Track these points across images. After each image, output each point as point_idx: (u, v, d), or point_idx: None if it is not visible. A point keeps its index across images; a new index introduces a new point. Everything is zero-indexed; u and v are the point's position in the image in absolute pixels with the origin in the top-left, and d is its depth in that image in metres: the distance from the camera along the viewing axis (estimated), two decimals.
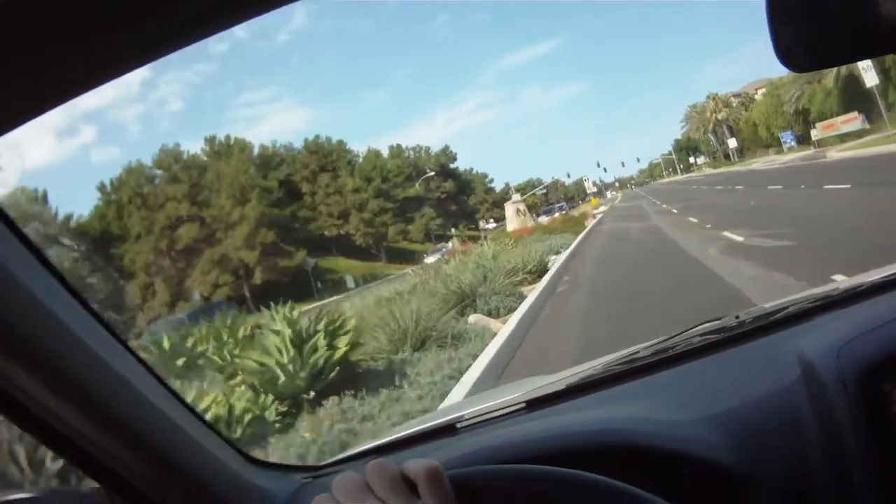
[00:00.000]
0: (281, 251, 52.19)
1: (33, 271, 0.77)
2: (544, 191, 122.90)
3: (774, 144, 69.53)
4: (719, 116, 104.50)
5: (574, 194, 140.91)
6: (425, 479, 0.63)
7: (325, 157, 69.80)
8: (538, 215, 55.46)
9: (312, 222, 68.04)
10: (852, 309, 1.20)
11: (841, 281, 1.43)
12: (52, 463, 3.69)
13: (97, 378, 0.83)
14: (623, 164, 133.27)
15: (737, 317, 1.33)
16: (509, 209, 35.36)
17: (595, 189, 58.78)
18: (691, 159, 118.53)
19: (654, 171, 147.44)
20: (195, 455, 1.00)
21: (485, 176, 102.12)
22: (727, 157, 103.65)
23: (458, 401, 3.53)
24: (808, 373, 0.96)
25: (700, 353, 1.25)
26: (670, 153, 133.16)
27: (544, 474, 0.72)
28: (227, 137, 59.77)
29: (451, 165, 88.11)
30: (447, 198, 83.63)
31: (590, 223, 33.48)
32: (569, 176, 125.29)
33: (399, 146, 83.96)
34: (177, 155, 55.42)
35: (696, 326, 1.36)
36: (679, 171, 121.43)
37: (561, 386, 1.31)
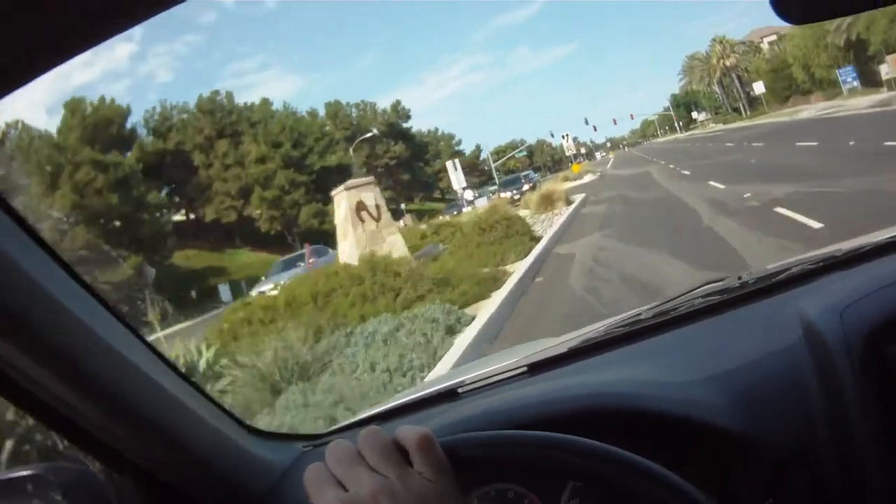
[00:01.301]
0: (101, 258, 34.39)
1: (16, 239, 0.75)
2: (524, 153, 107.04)
3: (816, 89, 52.79)
4: (728, 63, 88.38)
5: (562, 156, 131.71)
6: (417, 446, 0.64)
7: (224, 119, 51.94)
8: (479, 194, 38.47)
9: (206, 205, 50.87)
10: (855, 270, 1.16)
11: (843, 242, 1.37)
12: None
13: (90, 350, 0.81)
14: (615, 122, 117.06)
15: (739, 278, 1.31)
16: (341, 206, 12.45)
17: (575, 150, 41.20)
18: (695, 115, 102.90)
19: (647, 130, 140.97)
20: (194, 427, 0.97)
21: (451, 137, 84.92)
22: (735, 110, 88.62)
23: (459, 367, 2.89)
24: (810, 334, 0.94)
25: (702, 315, 1.23)
26: (667, 109, 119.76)
27: (536, 439, 0.72)
28: (101, 101, 42.13)
29: (405, 125, 70.59)
30: (397, 165, 66.51)
31: (554, 226, 15.90)
32: (552, 136, 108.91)
33: (337, 102, 66.27)
34: None
35: (699, 287, 1.35)
36: (678, 128, 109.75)
37: (563, 349, 1.29)
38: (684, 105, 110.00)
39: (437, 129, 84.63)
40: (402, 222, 61.08)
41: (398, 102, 70.55)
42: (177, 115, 52.90)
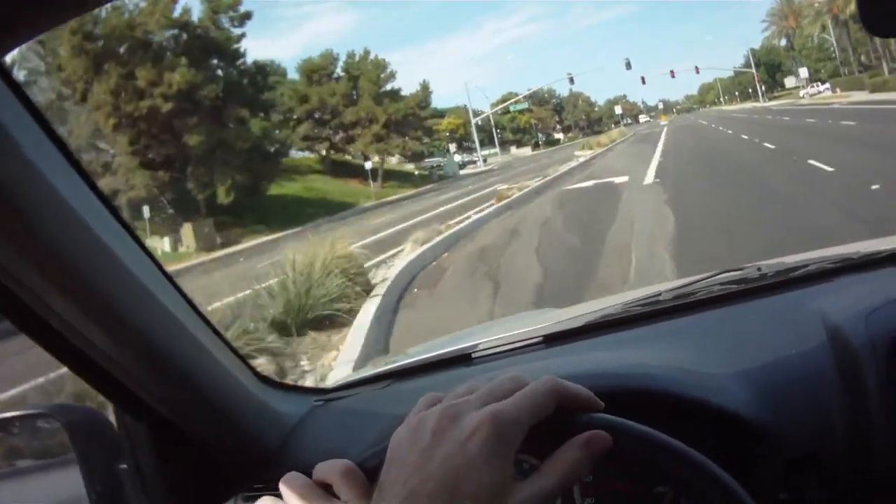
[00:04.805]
0: None
1: (47, 157, 0.71)
2: (524, 106, 72.84)
3: None
4: None
5: (601, 115, 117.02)
6: (340, 478, 0.64)
7: None
8: None
9: None
10: (874, 274, 1.18)
11: (859, 244, 1.41)
12: None
13: (114, 285, 0.79)
14: (672, 75, 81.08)
15: (758, 269, 1.33)
16: None
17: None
18: (803, 73, 67.96)
19: (707, 95, 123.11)
20: (211, 373, 0.97)
21: (381, 66, 47.84)
22: (866, 68, 55.77)
23: (474, 327, 2.74)
24: (834, 336, 0.96)
25: (721, 302, 1.24)
26: (743, 68, 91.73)
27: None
28: None
29: (232, 31, 33.18)
30: (176, 111, 29.85)
31: None
32: (572, 82, 72.97)
33: None
34: None
35: (718, 274, 1.37)
36: (760, 94, 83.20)
37: (579, 322, 1.31)
38: (766, 65, 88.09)
39: (367, 53, 47.97)
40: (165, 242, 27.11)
41: None
42: None
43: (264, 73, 34.42)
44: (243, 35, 33.23)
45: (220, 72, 32.49)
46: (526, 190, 19.88)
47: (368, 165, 40.76)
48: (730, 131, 29.95)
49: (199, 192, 30.85)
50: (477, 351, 1.30)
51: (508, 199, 17.92)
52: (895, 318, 0.89)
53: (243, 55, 33.25)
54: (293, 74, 46.93)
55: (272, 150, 34.53)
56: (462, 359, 1.30)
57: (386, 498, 0.55)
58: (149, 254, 0.85)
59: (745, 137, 23.03)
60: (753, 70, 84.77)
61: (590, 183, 18.67)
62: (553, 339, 1.27)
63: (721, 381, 0.94)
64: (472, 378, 0.95)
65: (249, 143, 31.55)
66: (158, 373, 0.88)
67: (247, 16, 33.67)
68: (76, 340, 0.79)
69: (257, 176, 32.50)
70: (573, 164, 29.88)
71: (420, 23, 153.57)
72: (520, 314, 2.35)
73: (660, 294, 1.32)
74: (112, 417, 0.98)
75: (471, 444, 0.54)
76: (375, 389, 1.30)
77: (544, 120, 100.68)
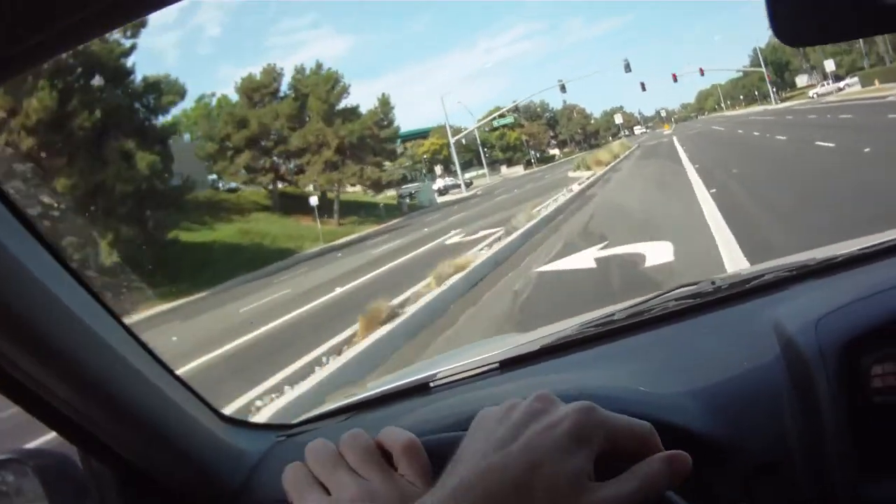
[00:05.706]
0: None
1: None
2: (509, 120, 65.97)
3: None
4: None
5: (598, 128, 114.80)
6: (402, 451, 0.62)
7: None
8: None
9: None
10: (828, 280, 1.19)
11: (816, 251, 1.39)
12: None
13: (68, 331, 0.82)
14: (675, 79, 73.00)
15: (713, 282, 1.33)
16: None
17: None
18: (828, 67, 61.99)
19: (705, 102, 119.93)
20: (170, 413, 0.99)
21: (333, 79, 39.84)
22: None
23: (434, 357, 2.74)
24: (785, 344, 0.97)
25: (676, 318, 1.25)
26: (751, 66, 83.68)
27: None
28: None
29: (124, 42, 25.39)
30: (40, 150, 21.69)
31: None
32: (563, 90, 66.35)
33: None
34: None
35: (673, 290, 1.36)
36: (773, 95, 75.71)
37: (535, 346, 1.32)
38: (773, 63, 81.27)
39: (319, 66, 39.98)
40: None
41: None
42: None
43: (158, 93, 26.53)
44: (133, 48, 25.54)
45: (102, 94, 24.62)
46: (453, 279, 9.64)
47: (314, 201, 32.69)
48: (782, 137, 21.57)
49: (75, 250, 23.20)
50: (435, 380, 1.30)
51: (393, 325, 7.80)
52: (844, 322, 0.88)
53: (132, 72, 25.60)
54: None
55: (169, 189, 26.53)
56: (421, 389, 1.30)
57: (464, 467, 0.54)
58: (102, 303, 0.87)
59: (830, 146, 14.93)
60: (763, 69, 77.27)
61: (591, 261, 8.99)
62: (509, 365, 1.27)
63: (677, 399, 0.94)
64: (429, 408, 1.04)
65: (135, 185, 23.67)
66: (119, 419, 0.89)
67: (140, 24, 25.99)
68: (38, 391, 0.81)
69: (151, 225, 24.54)
70: (563, 197, 19.84)
71: (412, 46, 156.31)
72: (480, 341, 2.32)
73: (613, 314, 1.31)
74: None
75: (559, 428, 0.54)
76: (337, 423, 1.29)
77: (536, 135, 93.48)
